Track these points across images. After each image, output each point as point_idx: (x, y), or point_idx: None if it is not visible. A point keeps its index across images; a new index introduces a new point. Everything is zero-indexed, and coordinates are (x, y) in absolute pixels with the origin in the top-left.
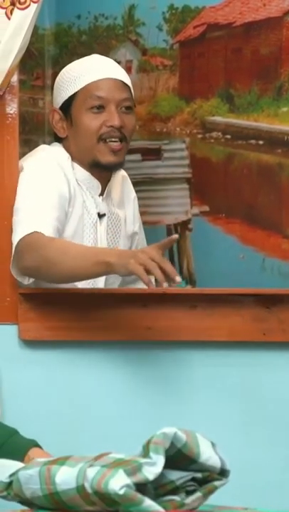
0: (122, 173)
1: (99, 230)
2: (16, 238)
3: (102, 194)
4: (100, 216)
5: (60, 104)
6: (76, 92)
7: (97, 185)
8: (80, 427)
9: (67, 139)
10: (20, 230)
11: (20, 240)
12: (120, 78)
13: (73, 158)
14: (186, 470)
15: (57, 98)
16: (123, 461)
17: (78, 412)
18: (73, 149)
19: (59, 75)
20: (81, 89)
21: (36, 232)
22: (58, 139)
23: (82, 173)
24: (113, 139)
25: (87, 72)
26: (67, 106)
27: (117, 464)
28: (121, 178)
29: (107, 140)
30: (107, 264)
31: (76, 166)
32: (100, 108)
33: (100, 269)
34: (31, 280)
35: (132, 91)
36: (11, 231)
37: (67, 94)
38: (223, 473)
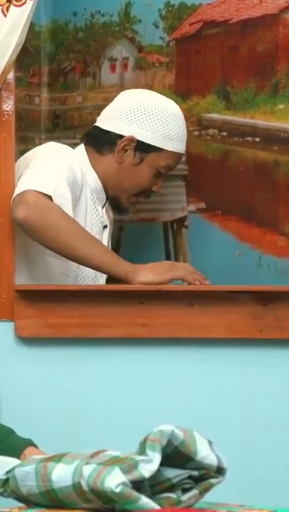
0: None
1: (104, 238)
2: (28, 185)
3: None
4: (104, 227)
5: (140, 137)
6: (157, 147)
7: (103, 197)
8: (76, 424)
9: (117, 164)
10: (35, 183)
11: (34, 193)
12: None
13: (101, 174)
14: (183, 468)
15: (144, 131)
16: (119, 459)
17: (75, 409)
18: (114, 174)
19: (154, 108)
20: (166, 150)
21: (51, 198)
22: (89, 142)
23: (96, 183)
24: (142, 197)
25: (177, 139)
26: (146, 147)
27: (113, 461)
28: None
29: (139, 195)
30: (126, 269)
31: (94, 174)
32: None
33: (114, 269)
34: None
35: None
36: (7, 229)
37: (155, 142)
38: (219, 471)
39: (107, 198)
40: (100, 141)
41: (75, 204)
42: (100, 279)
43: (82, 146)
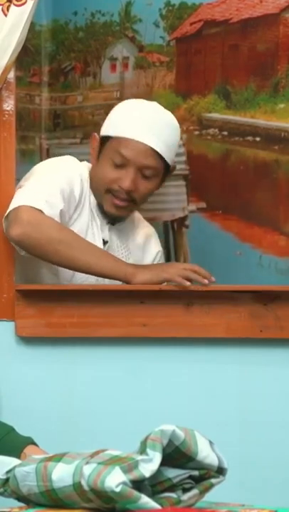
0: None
1: None
2: (21, 201)
3: (110, 223)
4: (104, 242)
5: (102, 133)
6: (111, 137)
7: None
8: (76, 424)
9: (94, 166)
10: (28, 198)
11: (26, 208)
12: (152, 146)
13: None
14: (184, 468)
15: (103, 125)
16: (119, 458)
17: (75, 409)
18: (92, 179)
19: (118, 104)
20: (115, 137)
21: (44, 213)
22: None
23: (94, 199)
24: (120, 197)
25: (129, 124)
26: (103, 140)
27: (113, 461)
28: (146, 230)
29: (114, 194)
30: (126, 270)
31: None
32: (121, 166)
33: (115, 273)
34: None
35: (169, 159)
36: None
37: (107, 131)
38: (220, 471)
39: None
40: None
41: (72, 217)
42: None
43: (85, 163)
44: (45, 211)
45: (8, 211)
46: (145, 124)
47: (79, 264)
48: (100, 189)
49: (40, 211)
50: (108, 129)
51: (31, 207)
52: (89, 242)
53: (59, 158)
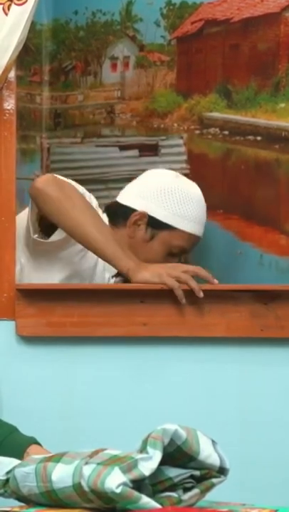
0: None
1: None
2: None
3: (116, 276)
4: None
5: (152, 213)
6: (173, 227)
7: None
8: (77, 423)
9: (128, 237)
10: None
11: (51, 177)
12: (201, 235)
13: None
14: (185, 467)
15: (157, 208)
16: (118, 458)
17: (75, 408)
18: (126, 248)
19: (172, 188)
20: (178, 230)
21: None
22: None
23: None
24: None
25: (192, 219)
26: (158, 224)
27: (113, 461)
28: None
29: None
30: (128, 265)
31: None
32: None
33: (117, 261)
34: (54, 238)
35: None
36: (9, 227)
37: (166, 219)
38: (222, 471)
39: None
40: (116, 214)
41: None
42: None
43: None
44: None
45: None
46: (202, 217)
47: (86, 234)
48: None
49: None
50: (168, 218)
51: (55, 177)
52: (105, 224)
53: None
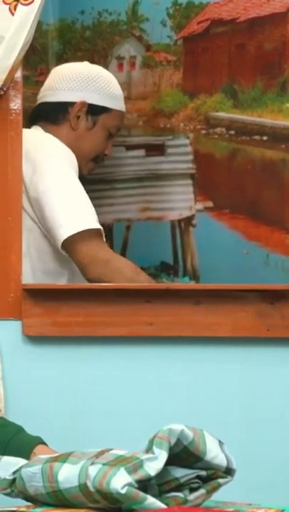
0: None
1: None
2: (80, 225)
3: None
4: None
5: (90, 100)
6: (109, 109)
7: None
8: (83, 423)
9: (73, 131)
10: (84, 220)
11: (87, 232)
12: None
13: (70, 147)
14: (192, 467)
15: (91, 94)
16: (124, 458)
17: (81, 408)
18: (73, 142)
19: (94, 73)
20: (114, 110)
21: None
22: (39, 120)
23: None
24: (99, 163)
25: (120, 97)
26: (96, 110)
27: (118, 461)
28: None
29: (96, 161)
30: None
31: None
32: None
33: None
34: None
35: None
36: (15, 228)
37: (104, 102)
38: (228, 472)
39: None
40: (52, 114)
41: None
42: None
43: (36, 127)
44: (101, 231)
45: (69, 235)
46: (122, 92)
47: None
48: (89, 156)
49: (99, 231)
50: (104, 99)
51: (89, 230)
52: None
53: (60, 155)
